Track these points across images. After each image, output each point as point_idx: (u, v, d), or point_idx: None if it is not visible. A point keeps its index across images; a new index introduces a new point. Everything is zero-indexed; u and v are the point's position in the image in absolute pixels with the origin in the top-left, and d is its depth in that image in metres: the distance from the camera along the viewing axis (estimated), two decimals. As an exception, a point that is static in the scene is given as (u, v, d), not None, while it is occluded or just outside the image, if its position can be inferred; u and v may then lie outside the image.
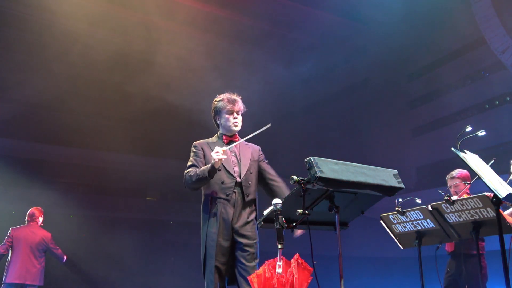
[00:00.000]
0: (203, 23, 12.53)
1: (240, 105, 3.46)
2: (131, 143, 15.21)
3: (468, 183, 4.42)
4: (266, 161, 3.57)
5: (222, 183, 3.30)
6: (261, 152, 3.58)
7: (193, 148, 3.47)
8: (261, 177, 3.51)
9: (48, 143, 14.97)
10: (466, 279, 4.39)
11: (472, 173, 2.88)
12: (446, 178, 4.64)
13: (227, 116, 3.43)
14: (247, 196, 3.33)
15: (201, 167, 3.34)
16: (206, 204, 3.34)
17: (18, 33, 12.61)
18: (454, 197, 4.18)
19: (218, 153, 3.12)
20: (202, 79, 11.83)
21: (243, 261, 3.19)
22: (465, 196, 3.89)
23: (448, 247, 4.58)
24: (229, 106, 3.41)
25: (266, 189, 3.50)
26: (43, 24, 11.92)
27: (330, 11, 14.22)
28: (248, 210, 3.32)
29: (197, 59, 12.08)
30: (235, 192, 3.30)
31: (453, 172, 4.59)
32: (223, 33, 13.16)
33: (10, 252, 6.34)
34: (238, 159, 3.41)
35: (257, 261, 3.24)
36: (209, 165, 3.20)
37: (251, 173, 3.41)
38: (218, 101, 3.48)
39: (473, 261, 4.39)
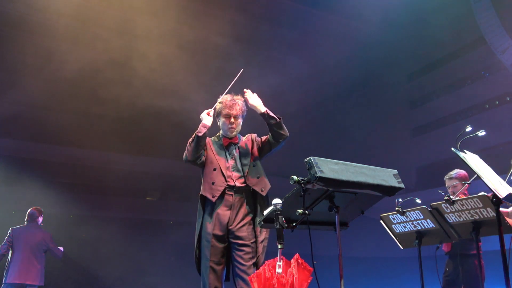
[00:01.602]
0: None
1: (238, 109, 3.42)
2: (130, 143, 15.21)
3: (468, 183, 4.43)
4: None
5: (213, 183, 3.30)
6: (258, 138, 3.56)
7: None
8: (266, 143, 3.47)
9: (48, 143, 14.95)
10: (463, 279, 4.42)
11: (472, 173, 2.88)
12: (444, 179, 4.67)
13: (223, 119, 3.42)
14: (262, 191, 3.32)
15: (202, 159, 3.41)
16: (201, 205, 3.35)
17: (12, 31, 12.56)
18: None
19: (204, 112, 3.33)
20: (194, 80, 11.83)
21: (240, 260, 3.19)
22: (462, 196, 3.90)
23: (445, 247, 4.60)
24: (226, 111, 3.39)
25: (271, 141, 3.45)
26: (39, 23, 11.91)
27: (328, 10, 14.21)
28: (246, 211, 3.31)
29: (191, 58, 12.07)
30: (231, 194, 3.30)
31: (451, 173, 4.62)
32: (214, 30, 13.05)
33: (10, 252, 6.34)
34: (237, 162, 3.39)
35: (254, 260, 3.23)
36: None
37: (254, 166, 3.40)
38: (219, 102, 3.46)
39: (470, 261, 4.43)
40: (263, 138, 3.51)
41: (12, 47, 12.69)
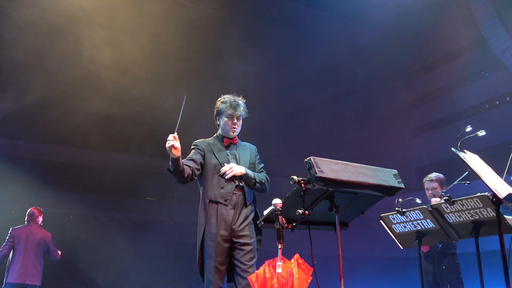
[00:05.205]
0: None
1: (241, 110, 3.43)
2: (131, 143, 15.20)
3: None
4: (262, 165, 3.55)
5: (222, 188, 3.29)
6: (257, 153, 3.58)
7: (193, 146, 3.46)
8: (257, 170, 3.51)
9: (48, 143, 14.96)
10: (448, 277, 4.50)
11: (472, 174, 2.88)
12: (423, 181, 4.79)
13: (226, 119, 3.41)
14: (248, 200, 3.34)
15: (194, 161, 3.34)
16: (205, 206, 3.33)
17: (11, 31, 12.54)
18: (435, 199, 4.40)
19: (168, 141, 3.06)
20: (192, 80, 11.82)
21: (242, 260, 3.20)
22: (438, 199, 4.18)
23: (424, 248, 4.64)
24: (230, 111, 3.39)
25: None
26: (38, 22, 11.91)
27: (329, 11, 14.20)
28: (248, 211, 3.34)
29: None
30: (235, 193, 3.31)
31: (430, 175, 4.79)
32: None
33: (11, 252, 6.35)
34: (238, 163, 3.40)
35: (254, 259, 3.25)
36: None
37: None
38: (222, 102, 3.45)
39: (451, 259, 4.57)
40: (258, 164, 3.53)
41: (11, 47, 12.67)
